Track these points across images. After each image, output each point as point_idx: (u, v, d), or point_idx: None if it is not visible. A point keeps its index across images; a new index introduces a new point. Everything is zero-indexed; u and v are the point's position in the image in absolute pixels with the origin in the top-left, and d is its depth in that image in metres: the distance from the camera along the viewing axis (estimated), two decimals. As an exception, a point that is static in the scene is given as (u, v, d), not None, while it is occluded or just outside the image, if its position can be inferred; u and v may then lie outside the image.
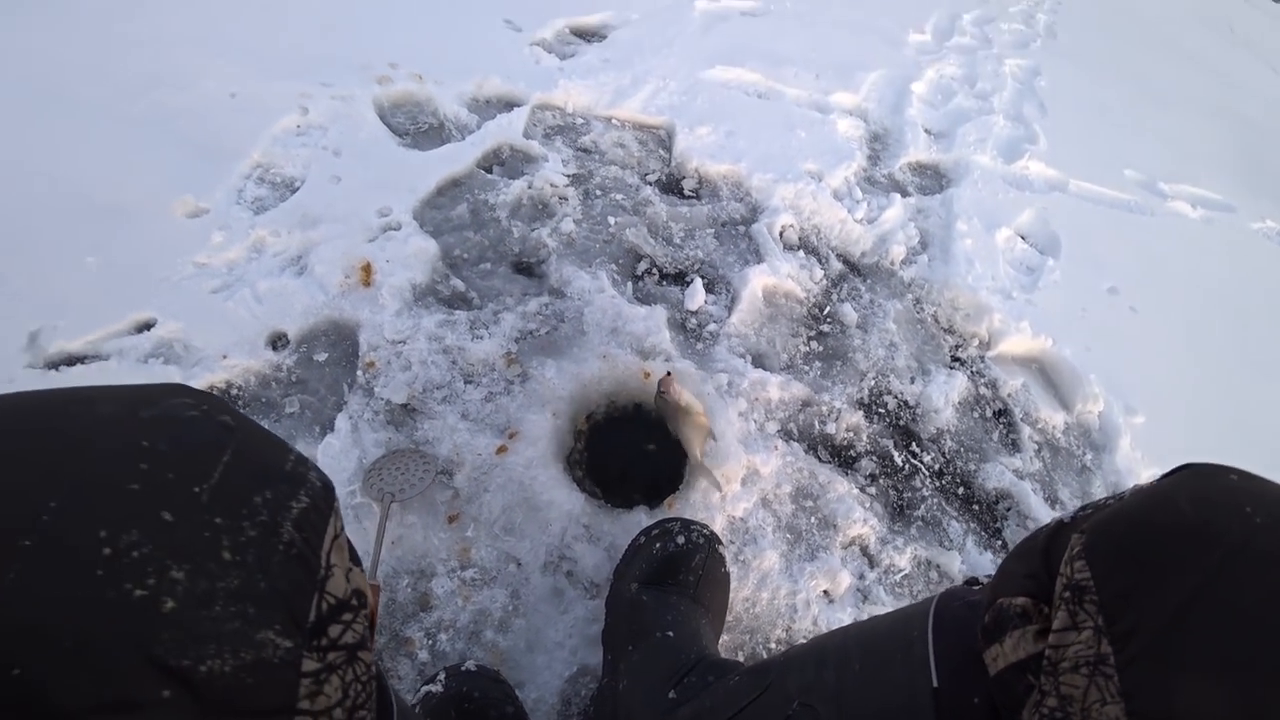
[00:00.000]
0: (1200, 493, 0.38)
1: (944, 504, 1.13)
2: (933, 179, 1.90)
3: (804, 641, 0.60)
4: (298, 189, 1.40)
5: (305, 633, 0.34)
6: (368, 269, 1.25)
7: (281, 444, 0.40)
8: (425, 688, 0.83)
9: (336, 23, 1.83)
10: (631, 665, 0.73)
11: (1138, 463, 1.30)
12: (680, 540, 0.85)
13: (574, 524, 0.96)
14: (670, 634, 0.73)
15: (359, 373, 1.13)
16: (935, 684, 0.42)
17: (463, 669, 0.85)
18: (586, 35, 1.96)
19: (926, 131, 2.08)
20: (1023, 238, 1.81)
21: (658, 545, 0.85)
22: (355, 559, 0.47)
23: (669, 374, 0.98)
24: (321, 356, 1.16)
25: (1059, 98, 2.62)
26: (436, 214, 1.39)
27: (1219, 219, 2.39)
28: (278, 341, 1.18)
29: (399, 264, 1.26)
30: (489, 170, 1.49)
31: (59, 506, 0.27)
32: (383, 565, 0.96)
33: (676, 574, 0.82)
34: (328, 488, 0.41)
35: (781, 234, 1.45)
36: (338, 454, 1.05)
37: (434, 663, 0.90)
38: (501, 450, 1.02)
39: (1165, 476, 0.42)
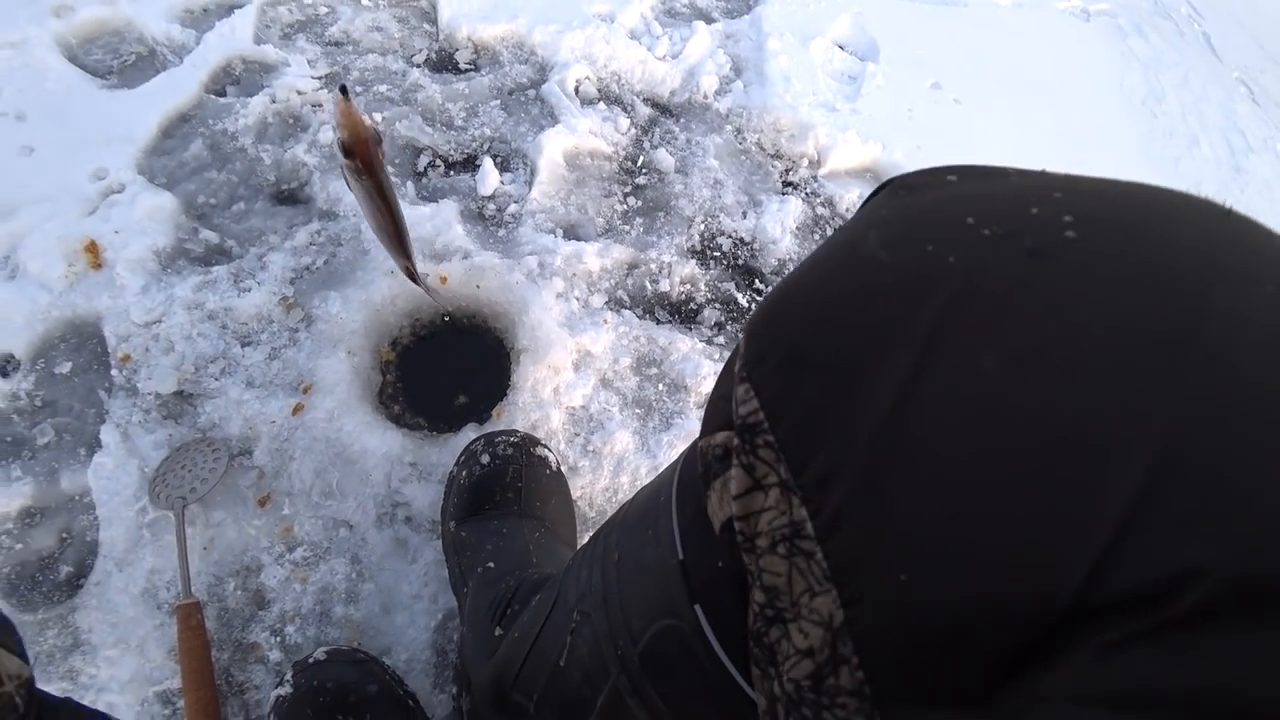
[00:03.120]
0: (898, 219, 0.24)
1: (799, 332, 1.08)
2: (738, 0, 1.75)
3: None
4: (-18, 174, 1.13)
5: None
6: (93, 248, 1.03)
7: None
8: (274, 692, 0.74)
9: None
10: (466, 612, 0.65)
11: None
12: (485, 460, 0.75)
13: (398, 465, 0.85)
14: (491, 565, 0.65)
15: (114, 372, 0.95)
16: (680, 556, 0.34)
17: (310, 661, 0.75)
18: (310, -93, 1.64)
19: (725, -53, 1.91)
20: (841, 47, 1.71)
21: (464, 474, 0.75)
22: None
23: (343, 92, 0.59)
24: (65, 367, 0.96)
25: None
26: (167, 160, 1.16)
27: (1028, 3, 2.42)
28: (6, 366, 0.97)
29: (131, 232, 1.05)
30: (221, 94, 1.24)
31: None
32: (200, 576, 0.83)
33: (492, 496, 0.73)
34: None
35: (577, 89, 1.29)
36: (113, 471, 0.88)
37: (288, 659, 0.80)
38: (298, 409, 0.88)
39: (863, 205, 0.29)
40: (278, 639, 0.81)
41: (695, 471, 0.31)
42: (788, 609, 0.24)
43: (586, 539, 0.85)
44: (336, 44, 1.34)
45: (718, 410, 0.30)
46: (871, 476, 0.22)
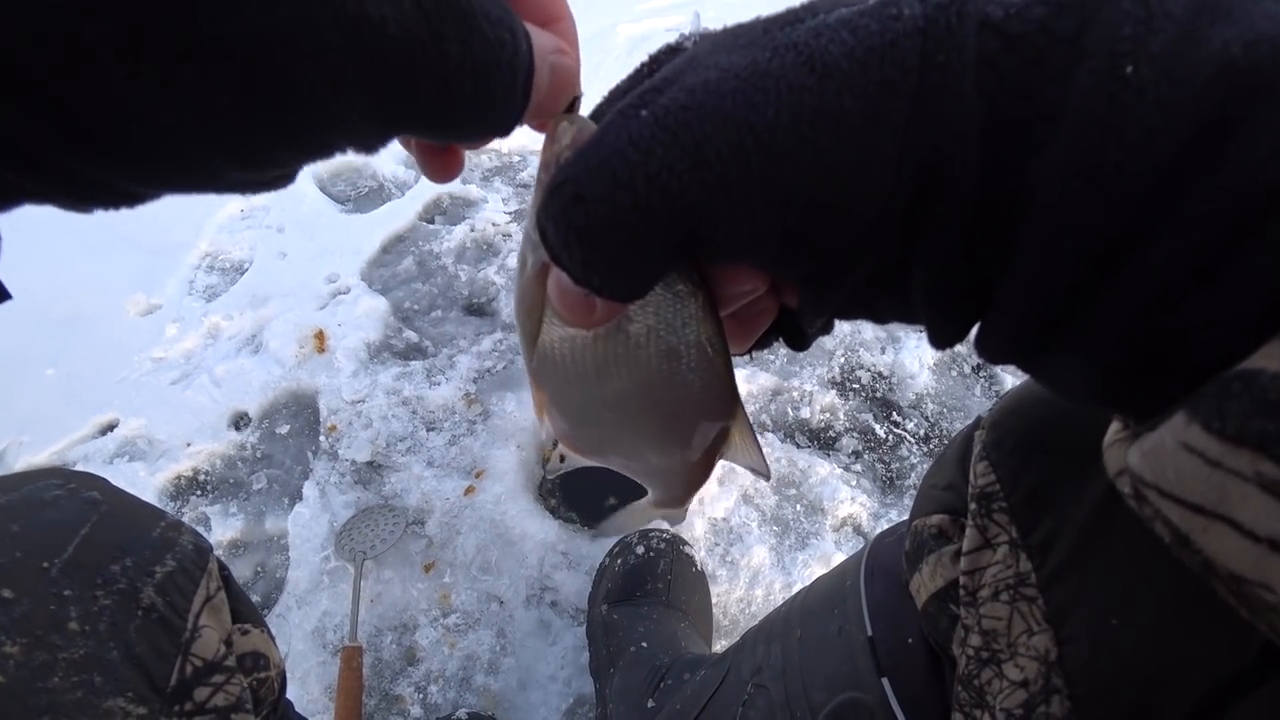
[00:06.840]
0: None
1: (935, 470, 1.09)
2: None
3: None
4: (246, 270, 1.41)
5: (166, 697, 0.34)
6: (320, 336, 1.25)
7: (154, 512, 0.41)
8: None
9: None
10: (614, 688, 0.70)
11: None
12: (640, 550, 0.82)
13: (551, 553, 0.93)
14: (644, 644, 0.70)
15: (322, 438, 1.11)
16: (869, 633, 0.38)
17: (453, 718, 0.81)
18: (516, 78, 1.99)
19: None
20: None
21: (619, 562, 0.82)
22: (253, 619, 0.46)
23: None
24: (284, 429, 1.15)
25: None
26: (384, 271, 1.39)
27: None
28: (239, 421, 1.17)
29: (351, 326, 1.26)
30: (431, 221, 1.50)
31: None
32: (364, 625, 0.93)
33: (644, 584, 0.78)
34: (201, 550, 0.41)
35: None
36: (308, 522, 1.02)
37: (427, 716, 0.86)
38: (469, 491, 1.00)
39: None
40: (421, 695, 0.88)
41: (893, 555, 0.36)
42: (1003, 650, 0.28)
43: (721, 645, 0.88)
44: (526, 186, 1.58)
45: (930, 497, 0.36)
46: (1090, 539, 0.27)
